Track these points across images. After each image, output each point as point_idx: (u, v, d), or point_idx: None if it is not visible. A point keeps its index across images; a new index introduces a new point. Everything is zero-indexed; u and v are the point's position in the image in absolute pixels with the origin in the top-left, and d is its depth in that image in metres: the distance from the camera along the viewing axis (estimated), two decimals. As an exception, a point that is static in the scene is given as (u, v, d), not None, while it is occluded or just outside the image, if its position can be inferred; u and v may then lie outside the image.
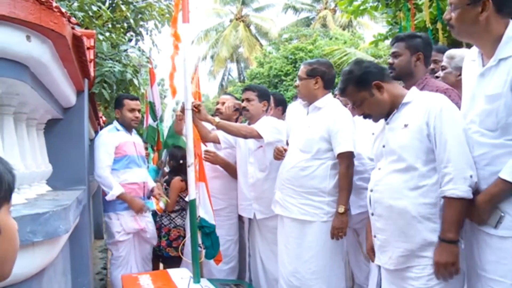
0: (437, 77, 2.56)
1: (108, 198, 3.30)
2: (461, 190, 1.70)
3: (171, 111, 3.24)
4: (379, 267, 2.10)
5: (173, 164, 4.12)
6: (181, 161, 3.89)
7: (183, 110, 2.86)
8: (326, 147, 2.67)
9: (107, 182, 3.30)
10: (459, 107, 1.86)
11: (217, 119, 3.07)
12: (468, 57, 1.83)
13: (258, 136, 3.03)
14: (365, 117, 2.08)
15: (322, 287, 2.63)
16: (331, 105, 2.75)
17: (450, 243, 1.76)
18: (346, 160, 2.62)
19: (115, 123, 3.57)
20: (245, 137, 3.09)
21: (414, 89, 2.01)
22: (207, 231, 2.85)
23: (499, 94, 1.57)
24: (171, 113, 3.21)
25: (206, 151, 3.36)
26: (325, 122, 2.68)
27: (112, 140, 3.41)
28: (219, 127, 3.06)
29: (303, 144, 2.73)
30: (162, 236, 3.88)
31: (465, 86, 1.82)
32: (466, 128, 1.73)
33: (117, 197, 3.30)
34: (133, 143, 3.55)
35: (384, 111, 2.02)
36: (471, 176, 1.69)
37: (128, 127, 3.57)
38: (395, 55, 2.46)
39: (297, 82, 2.88)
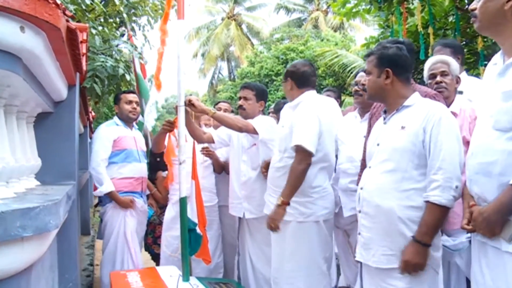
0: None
1: (95, 193, 3.33)
2: (446, 198, 1.76)
3: (152, 105, 3.23)
4: (361, 265, 2.11)
5: (151, 161, 4.07)
6: (157, 159, 3.86)
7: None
8: None
9: (99, 178, 3.33)
10: None
11: (213, 110, 3.06)
12: (491, 62, 1.75)
13: (253, 131, 3.00)
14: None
15: (299, 286, 2.62)
16: (303, 102, 2.69)
17: (425, 246, 1.81)
18: (298, 155, 2.55)
19: (115, 118, 3.60)
20: (240, 130, 3.04)
21: (417, 94, 2.02)
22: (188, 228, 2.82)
23: None
24: (151, 107, 3.20)
25: (204, 148, 3.38)
26: (291, 118, 2.66)
27: (109, 134, 3.43)
28: (215, 118, 3.05)
29: (278, 143, 2.76)
30: (148, 233, 3.84)
31: (483, 89, 1.75)
32: (482, 128, 1.61)
33: (105, 194, 3.33)
34: (133, 137, 3.56)
35: (377, 96, 2.07)
36: (456, 187, 1.76)
37: (126, 120, 3.57)
38: None
39: None
